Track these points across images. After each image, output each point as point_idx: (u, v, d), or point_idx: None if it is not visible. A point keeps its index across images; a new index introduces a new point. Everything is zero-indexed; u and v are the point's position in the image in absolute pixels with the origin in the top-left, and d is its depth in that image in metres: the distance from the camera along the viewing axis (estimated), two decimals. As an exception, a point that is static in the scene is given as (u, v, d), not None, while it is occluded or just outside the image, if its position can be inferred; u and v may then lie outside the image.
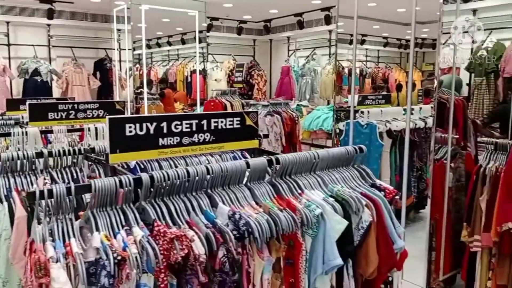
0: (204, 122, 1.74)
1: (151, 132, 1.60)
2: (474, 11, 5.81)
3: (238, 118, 1.83)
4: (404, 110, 4.48)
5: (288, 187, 1.57)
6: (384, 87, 7.51)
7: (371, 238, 1.57)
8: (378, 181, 1.79)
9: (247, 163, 1.48)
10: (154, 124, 1.61)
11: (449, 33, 3.07)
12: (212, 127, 1.76)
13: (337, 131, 4.82)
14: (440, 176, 2.88)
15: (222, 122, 1.78)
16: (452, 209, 2.98)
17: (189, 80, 8.78)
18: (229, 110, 5.07)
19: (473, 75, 5.76)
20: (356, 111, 4.40)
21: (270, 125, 4.82)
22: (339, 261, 1.44)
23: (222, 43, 8.85)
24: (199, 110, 6.36)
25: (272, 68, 9.47)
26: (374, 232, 1.59)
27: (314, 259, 1.48)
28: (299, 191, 1.57)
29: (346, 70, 7.80)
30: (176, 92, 7.96)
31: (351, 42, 7.81)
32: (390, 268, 1.62)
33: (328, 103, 7.89)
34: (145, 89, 6.16)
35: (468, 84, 5.84)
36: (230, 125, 1.81)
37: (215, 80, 8.16)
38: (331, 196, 1.60)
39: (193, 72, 7.91)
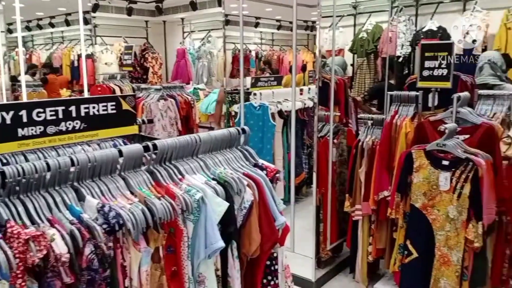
0: (73, 108, 1.59)
1: (8, 122, 1.43)
2: (355, -5, 6.20)
3: (113, 103, 1.71)
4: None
5: (167, 174, 1.51)
6: (265, 69, 7.73)
7: (253, 217, 1.59)
8: (260, 161, 1.81)
9: (120, 151, 1.39)
10: (11, 112, 1.44)
11: (329, 16, 3.20)
12: (83, 114, 1.62)
13: (233, 113, 4.85)
14: (325, 152, 3.04)
15: (94, 107, 1.66)
16: (336, 182, 3.18)
17: (76, 64, 8.17)
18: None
19: (356, 56, 6.18)
20: (249, 93, 4.46)
21: (164, 110, 4.67)
22: (220, 243, 1.44)
23: (112, 24, 8.33)
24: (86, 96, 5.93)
25: (167, 50, 9.19)
26: (256, 211, 1.61)
27: (197, 244, 1.46)
28: (180, 177, 1.53)
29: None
30: (58, 77, 7.34)
31: (245, 24, 7.81)
32: (272, 244, 1.66)
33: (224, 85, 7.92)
34: (23, 75, 5.55)
35: (352, 65, 6.25)
36: (104, 110, 1.69)
37: (106, 63, 7.68)
38: (213, 179, 1.58)
39: (81, 55, 7.35)
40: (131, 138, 1.95)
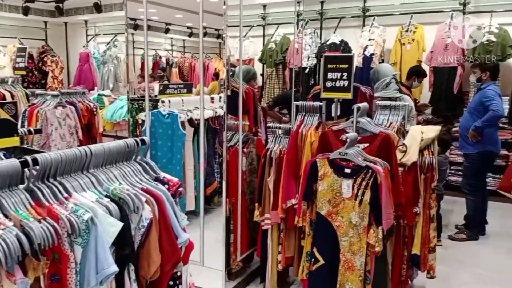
0: None
1: None
2: (264, 6, 6.32)
3: (-13, 112, 1.49)
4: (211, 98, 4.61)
5: (51, 192, 1.33)
6: (163, 76, 7.59)
7: (152, 236, 1.47)
8: (162, 174, 1.70)
9: (-11, 168, 1.19)
10: None
11: (237, 26, 3.18)
12: None
13: (140, 121, 4.64)
14: (235, 161, 3.00)
15: (-38, 117, 1.42)
16: (246, 192, 3.15)
17: (-38, 66, 7.27)
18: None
19: (265, 66, 6.28)
20: (157, 101, 4.29)
21: (62, 118, 4.31)
22: (113, 268, 1.30)
23: (5, 24, 7.60)
24: (-28, 102, 5.28)
25: (70, 54, 8.59)
26: (156, 229, 1.49)
27: (87, 270, 1.30)
28: (66, 195, 1.36)
29: (150, 59, 7.60)
30: None
31: (155, 30, 7.57)
32: (174, 264, 1.55)
33: (134, 93, 7.59)
34: None
35: (262, 74, 6.34)
36: (-25, 120, 1.46)
37: (-3, 66, 6.95)
38: (106, 196, 1.44)
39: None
40: (11, 151, 1.72)
